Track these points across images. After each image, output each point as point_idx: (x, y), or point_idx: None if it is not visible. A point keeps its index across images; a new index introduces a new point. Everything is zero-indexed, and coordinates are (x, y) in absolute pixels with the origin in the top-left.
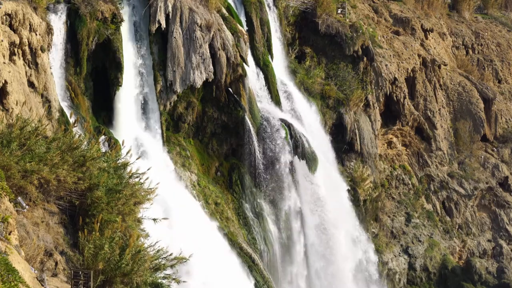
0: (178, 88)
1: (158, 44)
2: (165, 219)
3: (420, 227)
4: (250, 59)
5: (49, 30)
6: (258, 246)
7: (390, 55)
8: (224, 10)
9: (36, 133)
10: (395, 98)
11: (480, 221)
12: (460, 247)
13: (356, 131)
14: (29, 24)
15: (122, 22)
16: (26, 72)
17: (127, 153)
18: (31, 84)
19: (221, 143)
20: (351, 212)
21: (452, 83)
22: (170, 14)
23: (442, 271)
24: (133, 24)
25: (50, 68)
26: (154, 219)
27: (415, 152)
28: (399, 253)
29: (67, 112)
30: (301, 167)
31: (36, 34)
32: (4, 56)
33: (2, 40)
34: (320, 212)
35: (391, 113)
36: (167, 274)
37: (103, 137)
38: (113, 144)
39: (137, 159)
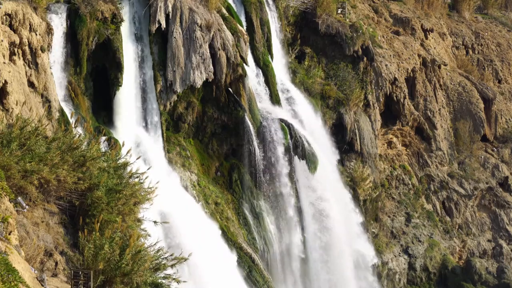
0: (178, 88)
1: (158, 44)
2: (165, 222)
3: (420, 227)
4: (250, 59)
5: (49, 30)
6: (258, 246)
7: (390, 55)
8: (224, 10)
9: (36, 133)
10: (395, 98)
11: (480, 221)
12: (460, 247)
13: (356, 131)
14: (29, 24)
15: (122, 22)
16: (26, 72)
17: (127, 153)
18: (31, 84)
19: (221, 143)
20: (351, 211)
21: (452, 83)
22: (170, 14)
23: (442, 271)
24: (133, 24)
25: (50, 68)
26: (155, 222)
27: (415, 152)
28: (399, 253)
29: (67, 112)
30: (301, 167)
31: (36, 34)
32: (4, 56)
33: (2, 40)
34: (320, 211)
35: (391, 113)
36: (167, 274)
37: (103, 137)
38: (113, 144)
39: (137, 159)
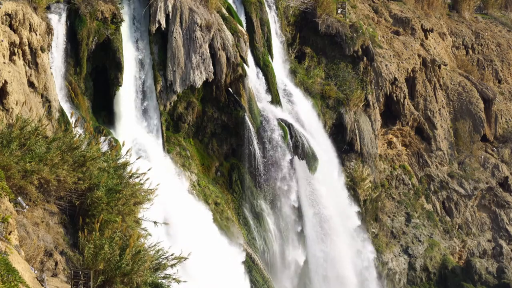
0: (178, 88)
1: (158, 44)
2: (165, 223)
3: (420, 227)
4: (250, 59)
5: (49, 30)
6: (258, 246)
7: (390, 55)
8: (224, 10)
9: (36, 133)
10: (395, 98)
11: (480, 221)
12: (460, 247)
13: (356, 131)
14: (29, 24)
15: (122, 22)
16: (26, 72)
17: (127, 152)
18: (31, 84)
19: (221, 143)
20: (351, 211)
21: (452, 83)
22: (170, 14)
23: (442, 271)
24: (133, 24)
25: (50, 68)
26: (155, 222)
27: (415, 152)
28: (399, 253)
29: (67, 112)
30: (301, 167)
31: (36, 34)
32: (4, 56)
33: (2, 40)
34: (320, 211)
35: (391, 113)
36: (167, 274)
37: (103, 137)
38: (113, 144)
39: (137, 159)
